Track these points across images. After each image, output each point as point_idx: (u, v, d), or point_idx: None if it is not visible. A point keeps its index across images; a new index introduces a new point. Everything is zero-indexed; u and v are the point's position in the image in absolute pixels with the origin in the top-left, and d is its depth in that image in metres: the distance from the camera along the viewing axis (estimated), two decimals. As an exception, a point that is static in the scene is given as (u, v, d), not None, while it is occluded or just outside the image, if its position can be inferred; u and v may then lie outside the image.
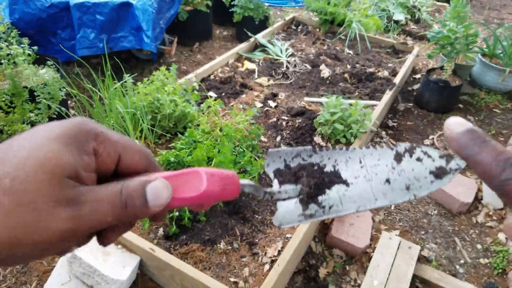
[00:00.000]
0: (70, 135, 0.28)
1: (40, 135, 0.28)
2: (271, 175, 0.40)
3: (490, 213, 1.96)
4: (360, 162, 0.41)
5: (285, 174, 0.40)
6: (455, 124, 0.31)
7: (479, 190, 2.04)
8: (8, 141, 0.28)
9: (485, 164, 0.28)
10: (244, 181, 0.37)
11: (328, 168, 0.40)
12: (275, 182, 0.40)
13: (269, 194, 0.39)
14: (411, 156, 0.40)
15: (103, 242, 0.32)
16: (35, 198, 0.25)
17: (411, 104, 2.84)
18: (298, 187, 0.40)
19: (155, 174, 0.33)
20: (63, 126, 0.29)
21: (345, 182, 0.40)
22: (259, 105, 2.44)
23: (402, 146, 0.40)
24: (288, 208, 0.39)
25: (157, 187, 0.30)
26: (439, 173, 0.39)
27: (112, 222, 0.29)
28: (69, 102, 2.35)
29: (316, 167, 0.40)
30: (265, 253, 1.50)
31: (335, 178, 0.40)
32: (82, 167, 0.28)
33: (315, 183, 0.40)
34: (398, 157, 0.40)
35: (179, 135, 1.91)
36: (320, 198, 0.40)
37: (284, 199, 0.39)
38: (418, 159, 0.40)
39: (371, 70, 2.95)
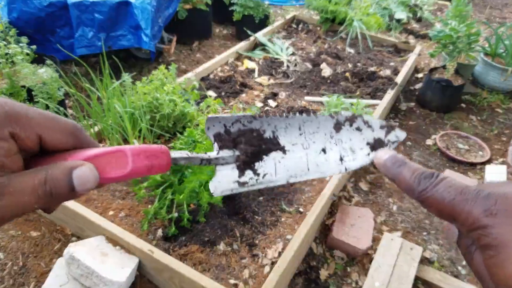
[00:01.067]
0: None
1: None
2: (211, 139, 0.40)
3: (493, 214, 1.94)
4: (300, 129, 0.40)
5: (225, 140, 0.40)
6: (382, 153, 0.40)
7: (482, 190, 2.02)
8: None
9: (405, 180, 0.35)
10: (176, 154, 0.36)
11: (267, 134, 0.40)
12: (215, 147, 0.40)
13: (207, 161, 0.38)
14: (351, 125, 0.40)
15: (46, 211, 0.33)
16: None
17: (413, 104, 2.82)
18: (236, 153, 0.39)
19: (82, 153, 0.32)
20: None
21: (283, 149, 0.40)
22: (259, 104, 2.42)
23: (343, 115, 0.41)
24: (225, 174, 0.39)
25: (83, 174, 0.30)
26: (375, 145, 0.40)
27: (37, 208, 0.29)
28: (67, 101, 2.33)
29: (255, 133, 0.40)
30: (265, 254, 1.48)
31: (273, 145, 0.40)
32: (1, 154, 0.27)
33: (253, 150, 0.40)
34: (338, 126, 0.40)
35: (178, 135, 1.89)
36: (256, 164, 0.40)
37: (222, 164, 0.39)
38: (358, 129, 0.40)
39: (372, 69, 2.93)
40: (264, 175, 0.40)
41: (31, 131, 0.30)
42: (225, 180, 0.39)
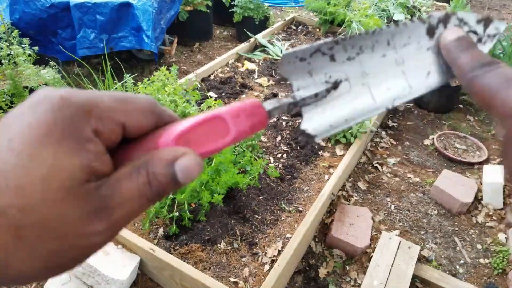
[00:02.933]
0: (60, 128, 0.21)
1: (22, 142, 0.21)
2: (289, 79, 0.34)
3: (490, 213, 1.96)
4: (389, 44, 0.35)
5: (305, 76, 0.34)
6: (450, 32, 0.34)
7: (479, 190, 2.04)
8: None
9: (461, 66, 0.31)
10: (268, 105, 0.31)
11: (353, 58, 0.35)
12: (294, 87, 0.34)
13: (293, 104, 0.33)
14: (445, 26, 0.35)
15: None
16: (58, 223, 0.21)
17: (411, 104, 2.84)
18: (322, 87, 0.34)
19: (171, 131, 0.27)
20: (44, 118, 0.21)
21: (374, 71, 0.35)
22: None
23: (436, 17, 0.35)
24: (315, 113, 0.34)
25: (186, 165, 0.25)
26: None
27: (142, 212, 0.26)
28: (69, 102, 2.35)
29: (339, 60, 0.34)
30: (265, 253, 1.50)
31: (361, 68, 0.35)
32: (92, 159, 0.22)
33: (339, 79, 0.34)
34: (431, 31, 0.35)
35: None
36: (348, 95, 0.34)
37: (308, 104, 0.34)
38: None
39: (371, 70, 2.95)
40: (361, 104, 0.34)
41: (113, 121, 0.25)
42: (319, 120, 0.34)
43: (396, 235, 1.75)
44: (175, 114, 0.30)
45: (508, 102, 0.27)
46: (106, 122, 0.24)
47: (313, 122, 0.34)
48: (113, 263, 1.39)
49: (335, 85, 0.34)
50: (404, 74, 0.35)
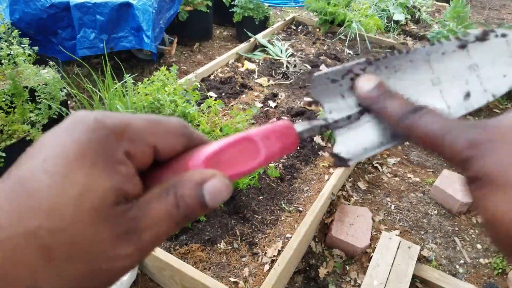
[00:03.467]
0: (93, 150, 0.22)
1: (56, 163, 0.21)
2: (320, 102, 0.34)
3: (490, 213, 1.96)
4: (424, 62, 0.33)
5: (337, 98, 0.34)
6: (365, 82, 0.33)
7: (479, 190, 2.04)
8: (13, 177, 0.21)
9: (391, 115, 0.31)
10: (299, 127, 0.31)
11: (388, 79, 0.34)
12: (326, 109, 0.34)
13: (325, 127, 0.33)
14: (483, 42, 0.33)
15: None
16: (87, 245, 0.21)
17: (411, 104, 2.84)
18: (355, 110, 0.33)
19: (201, 154, 0.27)
20: (78, 140, 0.22)
21: (411, 92, 0.33)
22: (259, 105, 2.44)
23: (473, 35, 0.33)
24: (349, 136, 0.33)
25: (215, 188, 0.25)
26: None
27: (170, 235, 0.25)
28: (69, 102, 2.35)
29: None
30: (265, 253, 1.50)
31: (396, 89, 0.33)
32: (123, 182, 0.22)
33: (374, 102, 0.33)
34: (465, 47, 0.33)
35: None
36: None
37: (341, 127, 0.33)
38: (490, 45, 0.33)
39: (371, 70, 2.95)
40: None
41: (145, 143, 0.25)
42: (352, 143, 0.33)
43: (396, 235, 1.75)
44: (206, 136, 0.30)
45: (454, 147, 0.27)
46: (138, 144, 0.24)
47: (347, 145, 0.33)
48: (113, 263, 1.39)
49: (365, 109, 0.33)
50: (441, 94, 0.34)
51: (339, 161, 0.33)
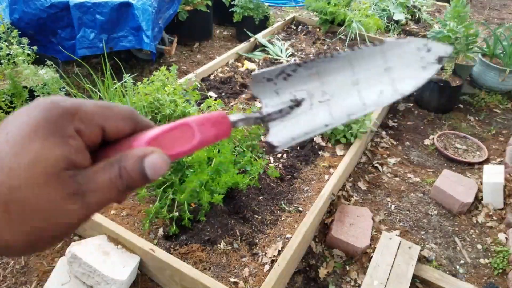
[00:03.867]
0: (47, 125, 0.27)
1: (16, 135, 0.26)
2: (258, 97, 0.39)
3: (490, 213, 1.95)
4: (348, 66, 0.39)
5: (271, 94, 0.39)
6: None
7: (479, 190, 2.04)
8: None
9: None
10: (234, 117, 0.36)
11: (315, 79, 0.39)
12: (263, 104, 0.39)
13: (260, 119, 0.38)
14: (399, 48, 0.39)
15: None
16: (40, 202, 0.25)
17: (411, 104, 2.83)
18: (286, 105, 0.39)
19: (144, 136, 0.31)
20: (35, 117, 0.27)
21: (334, 90, 0.39)
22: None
23: (389, 43, 0.39)
24: (280, 127, 0.39)
25: (154, 162, 0.29)
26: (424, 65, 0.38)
27: (114, 201, 0.30)
28: (69, 102, 2.35)
29: (302, 81, 0.39)
30: (265, 253, 1.49)
31: (322, 87, 0.39)
32: (72, 153, 0.27)
33: (302, 98, 0.39)
34: (385, 53, 0.39)
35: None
36: (310, 111, 0.39)
37: (274, 119, 0.39)
38: (405, 52, 0.39)
39: (371, 70, 2.94)
40: (320, 119, 0.39)
41: (94, 124, 0.29)
42: (282, 133, 0.39)
43: (396, 235, 1.75)
44: (152, 123, 0.35)
45: None
46: (88, 124, 0.29)
47: (278, 135, 0.38)
48: (113, 263, 1.39)
49: (298, 103, 0.39)
50: (359, 93, 0.39)
51: (270, 148, 0.38)
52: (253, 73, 0.39)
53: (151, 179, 0.29)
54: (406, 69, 0.39)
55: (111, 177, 0.28)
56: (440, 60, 0.38)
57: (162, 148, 0.31)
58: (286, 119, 0.39)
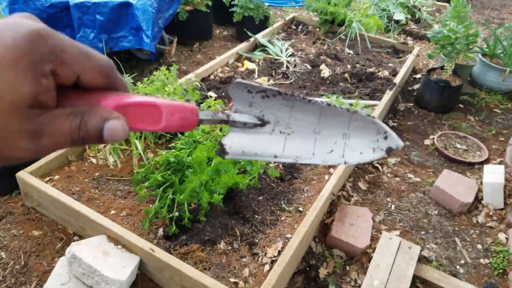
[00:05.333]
0: (27, 59, 0.27)
1: None
2: (233, 100, 0.41)
3: (490, 213, 1.95)
4: (317, 115, 0.41)
5: (245, 105, 0.41)
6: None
7: (479, 190, 2.04)
8: None
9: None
10: (203, 115, 0.37)
11: (286, 111, 0.42)
12: (233, 109, 0.41)
13: (225, 121, 0.40)
14: (364, 123, 0.42)
15: None
16: None
17: (411, 104, 2.83)
18: (252, 120, 0.41)
19: (115, 98, 0.32)
20: (19, 47, 0.26)
21: (296, 129, 0.42)
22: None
23: (360, 114, 0.42)
24: (238, 137, 0.40)
25: (115, 127, 0.30)
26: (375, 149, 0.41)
27: (63, 148, 0.31)
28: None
29: (275, 107, 0.41)
30: (265, 253, 1.49)
31: (287, 121, 0.42)
32: (41, 92, 0.28)
33: (267, 121, 0.41)
34: (350, 122, 0.42)
35: (179, 135, 1.91)
36: (268, 136, 0.41)
37: (237, 127, 0.40)
38: (365, 129, 0.42)
39: (371, 70, 2.95)
40: (273, 148, 0.41)
41: (71, 69, 0.30)
42: (237, 143, 0.40)
43: (396, 235, 1.75)
44: (127, 85, 0.35)
45: None
46: (65, 69, 0.29)
47: (233, 142, 0.40)
48: (113, 263, 1.38)
49: (263, 124, 0.41)
50: (315, 142, 0.42)
51: (220, 151, 0.40)
52: (237, 79, 0.41)
53: (105, 141, 0.31)
54: (360, 143, 0.42)
55: (71, 127, 0.29)
56: (389, 150, 0.41)
57: (126, 117, 0.32)
58: (247, 132, 0.41)
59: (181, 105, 0.35)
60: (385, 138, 0.41)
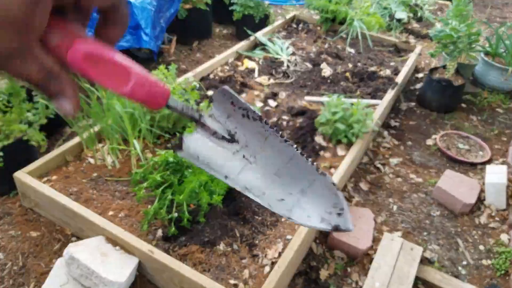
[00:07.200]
0: None
1: None
2: (212, 103, 0.40)
3: (493, 214, 1.93)
4: (285, 158, 0.40)
5: (222, 113, 0.40)
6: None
7: (482, 191, 2.02)
8: None
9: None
10: (173, 102, 0.36)
11: (257, 138, 0.41)
12: (210, 112, 0.40)
13: (194, 120, 0.39)
14: (324, 188, 0.40)
15: None
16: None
17: (413, 104, 2.81)
18: (221, 131, 0.40)
19: (93, 46, 0.31)
20: None
21: (261, 161, 0.40)
22: (259, 104, 2.42)
23: (328, 180, 0.40)
24: (200, 139, 0.39)
25: (65, 106, 0.32)
26: (325, 219, 0.39)
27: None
28: (67, 101, 2.33)
29: (248, 129, 0.40)
30: (265, 254, 1.48)
31: (255, 150, 0.41)
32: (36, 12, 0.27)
33: (235, 139, 0.40)
34: (313, 182, 0.40)
35: (178, 135, 1.88)
36: (230, 155, 0.40)
37: (205, 130, 0.40)
38: (324, 196, 0.40)
39: (373, 69, 2.92)
40: (228, 168, 0.40)
41: None
42: (196, 146, 0.39)
43: (398, 236, 1.73)
44: (127, 19, 0.35)
45: None
46: None
47: (193, 143, 0.39)
48: (111, 264, 1.37)
49: (230, 141, 0.40)
50: (272, 183, 0.40)
51: (177, 145, 0.39)
52: (226, 87, 0.40)
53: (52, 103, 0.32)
54: (312, 206, 0.40)
55: (44, 66, 0.30)
56: (335, 228, 0.40)
57: (93, 67, 0.31)
58: (211, 140, 0.40)
59: (154, 82, 0.33)
60: (339, 214, 0.39)
